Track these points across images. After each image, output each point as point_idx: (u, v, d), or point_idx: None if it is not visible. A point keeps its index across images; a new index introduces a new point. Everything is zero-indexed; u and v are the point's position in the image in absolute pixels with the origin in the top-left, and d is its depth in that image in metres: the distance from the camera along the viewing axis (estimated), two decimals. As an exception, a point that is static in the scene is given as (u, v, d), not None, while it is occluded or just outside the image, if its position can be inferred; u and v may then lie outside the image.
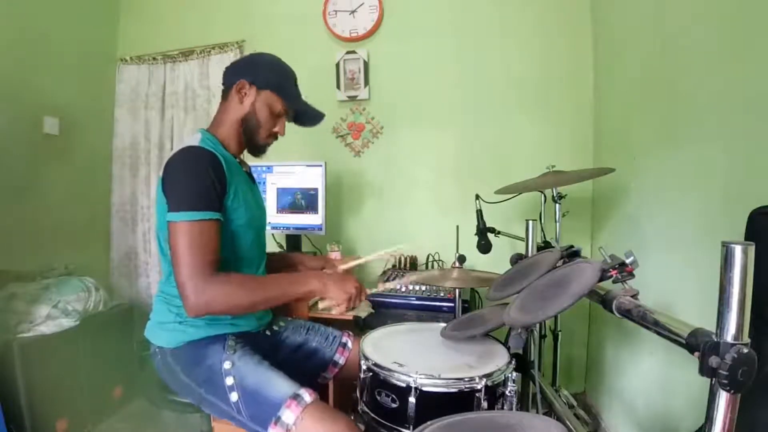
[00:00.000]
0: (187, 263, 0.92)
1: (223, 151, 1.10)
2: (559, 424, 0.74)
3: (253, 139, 1.16)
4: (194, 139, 1.07)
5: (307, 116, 1.25)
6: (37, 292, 1.75)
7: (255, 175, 1.31)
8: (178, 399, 1.13)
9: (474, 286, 1.62)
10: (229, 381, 1.00)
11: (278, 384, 0.98)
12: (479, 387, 0.90)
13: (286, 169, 2.03)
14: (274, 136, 1.20)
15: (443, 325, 1.22)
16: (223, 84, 1.17)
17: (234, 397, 0.99)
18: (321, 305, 1.06)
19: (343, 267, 1.31)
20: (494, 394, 0.93)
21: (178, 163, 1.01)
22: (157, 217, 1.08)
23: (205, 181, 0.98)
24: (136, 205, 2.50)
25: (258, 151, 1.21)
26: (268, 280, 1.05)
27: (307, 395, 0.96)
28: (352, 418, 1.03)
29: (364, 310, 1.63)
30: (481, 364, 0.99)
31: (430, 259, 2.07)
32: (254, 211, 1.15)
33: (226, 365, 1.01)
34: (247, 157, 1.25)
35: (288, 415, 0.93)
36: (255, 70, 1.14)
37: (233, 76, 1.14)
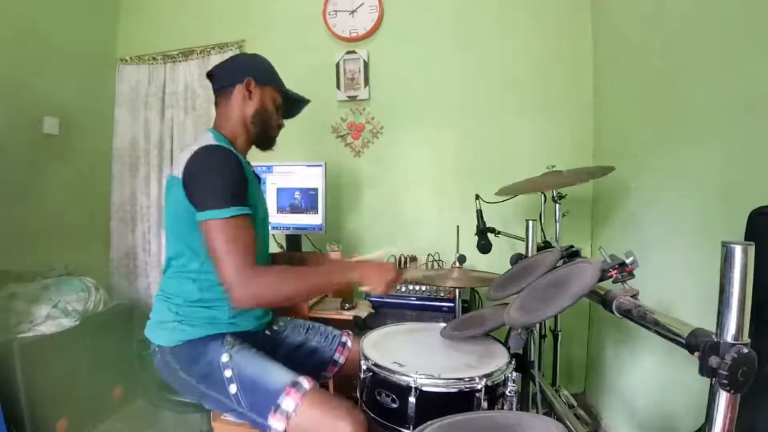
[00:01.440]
0: (230, 259, 0.93)
1: (234, 150, 1.11)
2: (559, 424, 0.74)
3: (267, 131, 1.20)
4: (208, 138, 1.08)
5: (296, 105, 1.29)
6: (37, 292, 1.75)
7: (255, 175, 1.32)
8: (178, 399, 1.13)
9: (474, 286, 1.61)
10: (228, 373, 1.00)
11: (277, 373, 0.99)
12: (479, 387, 0.90)
13: (286, 169, 2.03)
14: (280, 128, 1.24)
15: (443, 325, 1.22)
16: (219, 85, 1.18)
17: (233, 389, 0.99)
18: (361, 288, 1.12)
19: None
20: (494, 394, 0.93)
21: (204, 161, 1.01)
22: (167, 215, 1.09)
23: (233, 177, 1.00)
24: (136, 205, 2.50)
25: (270, 144, 1.24)
26: (312, 269, 1.10)
27: (306, 382, 0.97)
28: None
29: (364, 310, 1.63)
30: (481, 364, 0.99)
31: (430, 259, 2.07)
32: (259, 211, 1.15)
33: (224, 358, 1.02)
34: (254, 154, 1.26)
35: (288, 402, 0.94)
36: (254, 68, 1.18)
37: (234, 75, 1.16)
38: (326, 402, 0.96)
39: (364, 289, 1.10)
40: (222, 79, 1.18)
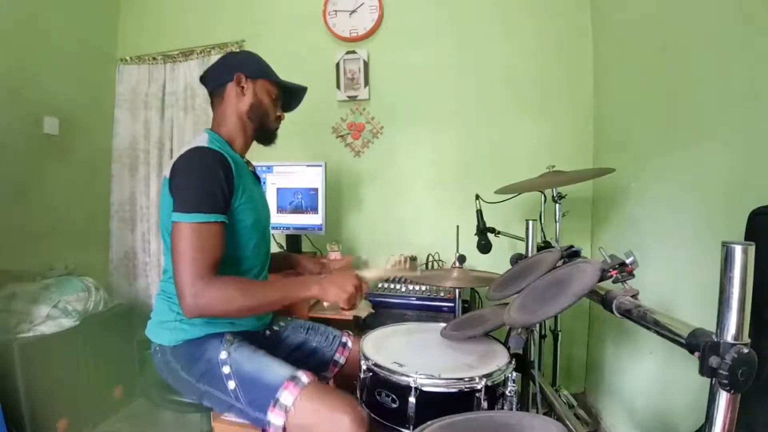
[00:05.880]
0: (188, 265, 0.92)
1: (230, 151, 1.11)
2: (559, 424, 0.74)
3: (265, 125, 1.18)
4: (202, 140, 1.07)
5: (294, 96, 1.27)
6: (37, 292, 1.75)
7: (255, 175, 1.31)
8: (178, 398, 1.13)
9: (474, 286, 1.61)
10: (226, 370, 1.00)
11: (275, 368, 0.99)
12: (479, 387, 0.90)
13: (286, 169, 2.03)
14: (279, 120, 1.22)
15: (443, 325, 1.22)
16: (212, 86, 1.18)
17: (232, 384, 0.99)
18: (325, 305, 1.06)
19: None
20: (494, 394, 0.93)
21: (186, 163, 1.01)
22: (162, 216, 1.08)
23: (213, 182, 0.98)
24: (136, 205, 2.50)
25: (270, 138, 1.22)
26: (267, 285, 1.05)
27: (304, 377, 0.97)
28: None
29: (364, 310, 1.63)
30: (481, 364, 0.99)
31: (430, 259, 2.07)
32: (260, 212, 1.15)
33: (223, 355, 1.02)
34: (254, 153, 1.25)
35: (286, 396, 0.93)
36: (243, 64, 1.16)
37: (224, 74, 1.15)
38: (326, 396, 0.96)
39: (325, 305, 1.07)
40: (213, 79, 1.18)
